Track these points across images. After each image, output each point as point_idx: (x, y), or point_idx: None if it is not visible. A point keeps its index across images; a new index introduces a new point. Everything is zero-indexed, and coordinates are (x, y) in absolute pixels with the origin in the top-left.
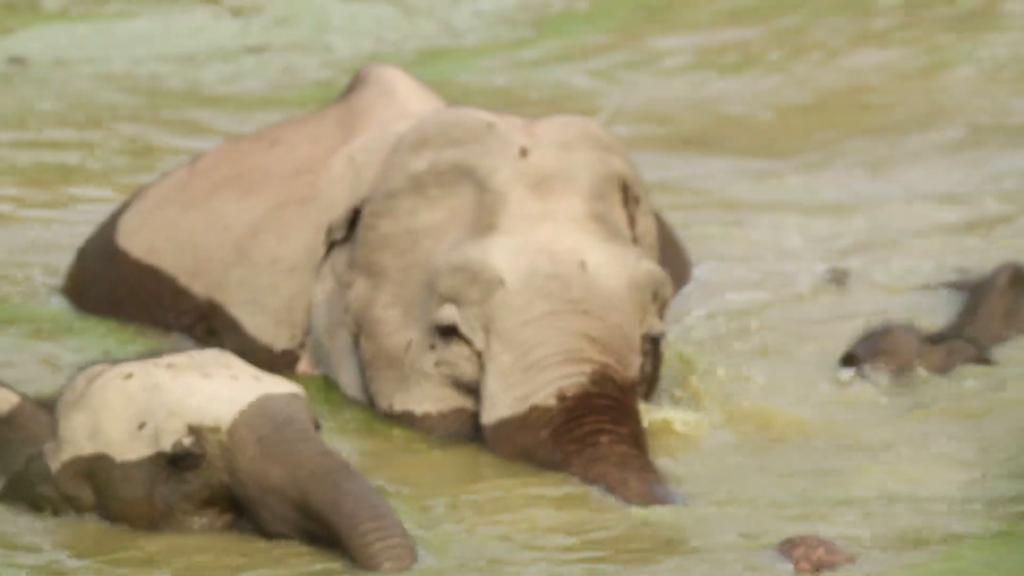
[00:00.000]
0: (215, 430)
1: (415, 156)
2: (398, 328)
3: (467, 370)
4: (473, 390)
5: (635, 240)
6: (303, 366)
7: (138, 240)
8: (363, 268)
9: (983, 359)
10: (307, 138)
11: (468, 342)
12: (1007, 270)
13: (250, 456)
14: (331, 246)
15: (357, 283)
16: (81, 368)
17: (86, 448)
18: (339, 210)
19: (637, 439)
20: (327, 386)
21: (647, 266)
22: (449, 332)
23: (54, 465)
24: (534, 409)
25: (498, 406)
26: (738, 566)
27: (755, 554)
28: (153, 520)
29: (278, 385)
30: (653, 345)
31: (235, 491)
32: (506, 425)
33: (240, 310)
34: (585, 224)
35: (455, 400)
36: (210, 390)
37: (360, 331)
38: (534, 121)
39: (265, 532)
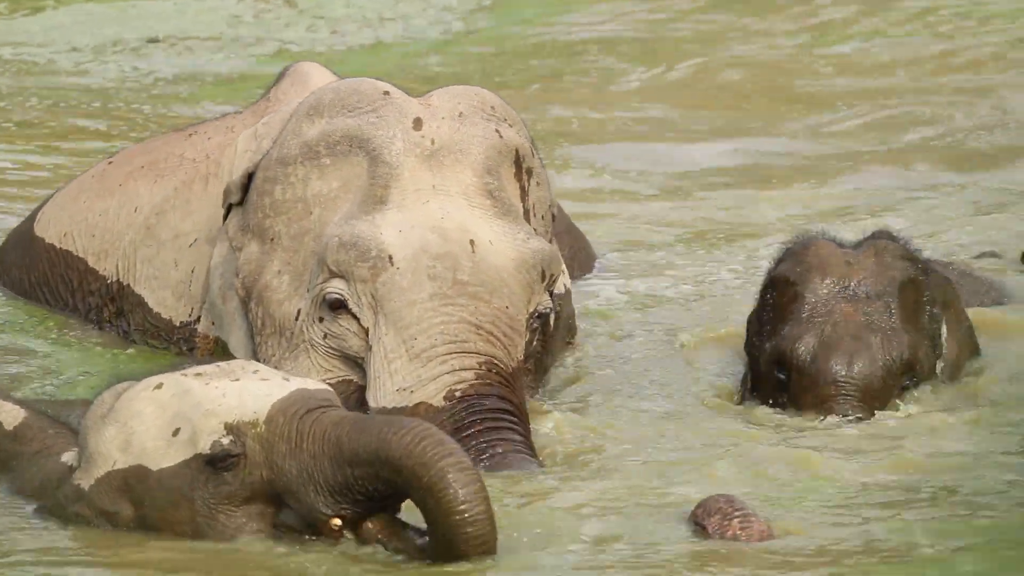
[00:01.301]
0: (253, 424)
1: (309, 123)
2: (288, 296)
3: (354, 344)
4: (360, 364)
5: (527, 213)
6: (201, 327)
7: (53, 228)
8: (255, 233)
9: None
10: (223, 128)
11: (356, 318)
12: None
13: (287, 440)
14: (229, 210)
15: (249, 247)
16: (108, 385)
17: (120, 461)
18: (237, 174)
19: (526, 439)
20: None
21: (536, 244)
22: (337, 306)
23: (86, 483)
24: (420, 405)
25: (384, 395)
26: (651, 525)
27: (668, 518)
28: (195, 525)
29: (309, 383)
30: (542, 321)
31: (276, 484)
32: (392, 414)
33: (144, 287)
34: (476, 199)
35: (342, 372)
36: (243, 389)
37: (250, 296)
38: (430, 92)
39: (309, 523)
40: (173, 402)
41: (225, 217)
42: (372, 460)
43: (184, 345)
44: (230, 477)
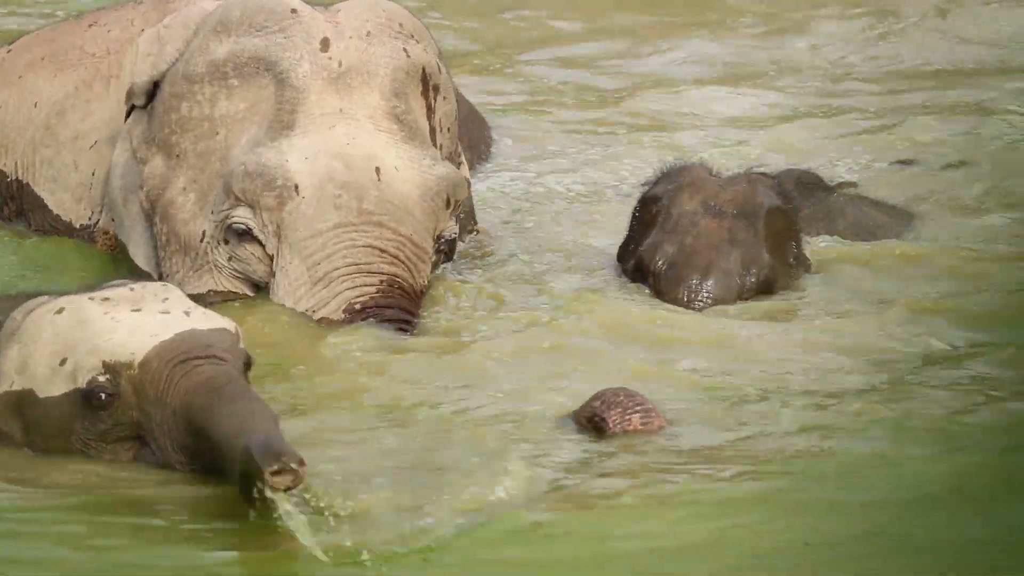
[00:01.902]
0: (129, 366)
1: (217, 41)
2: (193, 216)
3: (259, 269)
4: (264, 288)
5: (433, 131)
6: (102, 222)
7: None
8: (161, 147)
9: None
10: (123, 20)
11: (261, 244)
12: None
13: (155, 388)
14: (131, 110)
15: (153, 161)
16: (27, 297)
17: (16, 383)
18: (141, 78)
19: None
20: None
21: (442, 171)
22: (243, 233)
23: None
24: (322, 321)
25: (287, 312)
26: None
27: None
28: (74, 456)
29: (208, 320)
30: (448, 245)
31: (143, 428)
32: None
33: (44, 189)
34: (383, 123)
35: (245, 293)
36: (133, 325)
37: (154, 210)
38: (339, 6)
39: (166, 465)
40: (67, 331)
41: (127, 117)
42: (208, 440)
43: (85, 245)
44: (104, 415)
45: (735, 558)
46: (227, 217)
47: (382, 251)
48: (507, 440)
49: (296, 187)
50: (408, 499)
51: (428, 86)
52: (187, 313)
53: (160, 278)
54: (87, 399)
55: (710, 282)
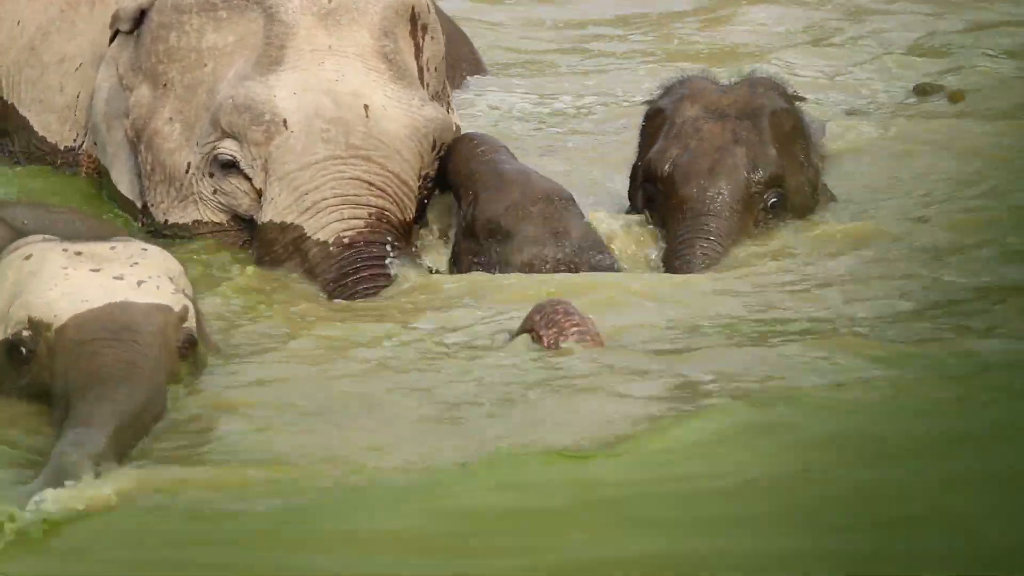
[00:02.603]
0: (48, 327)
1: None
2: (179, 146)
3: (244, 203)
4: (249, 220)
5: (421, 71)
6: (87, 146)
7: None
8: (148, 76)
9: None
10: None
11: (248, 178)
12: None
13: (64, 360)
14: (115, 34)
15: (140, 89)
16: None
17: None
18: (129, 4)
19: None
20: None
21: (429, 112)
22: (229, 166)
23: None
24: (310, 252)
25: (274, 247)
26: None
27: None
28: None
29: (151, 295)
30: (431, 187)
31: (51, 392)
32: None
33: (28, 110)
34: (371, 61)
35: (231, 225)
36: (72, 287)
37: (139, 139)
38: None
39: None
40: (22, 279)
41: (111, 41)
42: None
43: (68, 170)
44: (24, 370)
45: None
46: (213, 149)
47: (370, 184)
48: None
49: (284, 122)
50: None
51: (417, 26)
52: (140, 283)
53: (143, 207)
54: (10, 351)
55: (717, 179)
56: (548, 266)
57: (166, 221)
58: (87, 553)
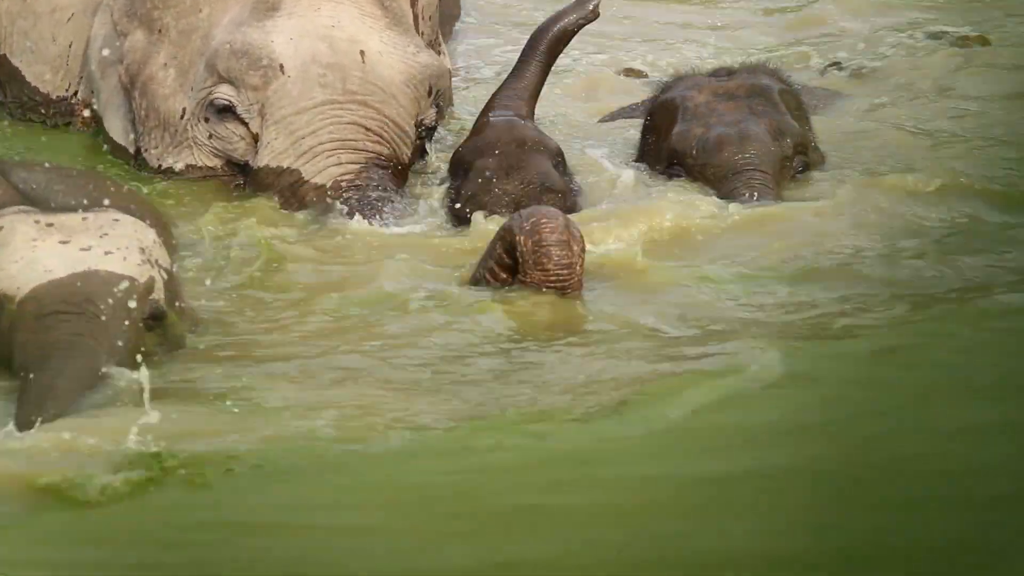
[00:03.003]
0: (11, 300)
1: None
2: (173, 92)
3: (240, 148)
4: (243, 166)
5: (416, 18)
6: (81, 95)
7: None
8: (143, 21)
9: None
10: None
11: (244, 123)
12: None
13: (23, 331)
14: None
15: (134, 35)
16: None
17: None
18: None
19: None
20: None
21: (425, 59)
22: (225, 111)
23: None
24: (308, 196)
25: (270, 188)
26: None
27: None
28: None
29: (117, 265)
30: (428, 133)
31: (15, 364)
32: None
33: (21, 60)
34: (367, 8)
35: (225, 171)
36: (37, 259)
37: (133, 85)
38: None
39: None
40: None
41: None
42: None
43: (61, 120)
44: None
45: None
46: (209, 94)
47: (367, 129)
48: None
49: (281, 67)
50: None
51: None
52: (107, 253)
53: (137, 153)
54: None
55: (748, 145)
56: (494, 200)
57: (160, 166)
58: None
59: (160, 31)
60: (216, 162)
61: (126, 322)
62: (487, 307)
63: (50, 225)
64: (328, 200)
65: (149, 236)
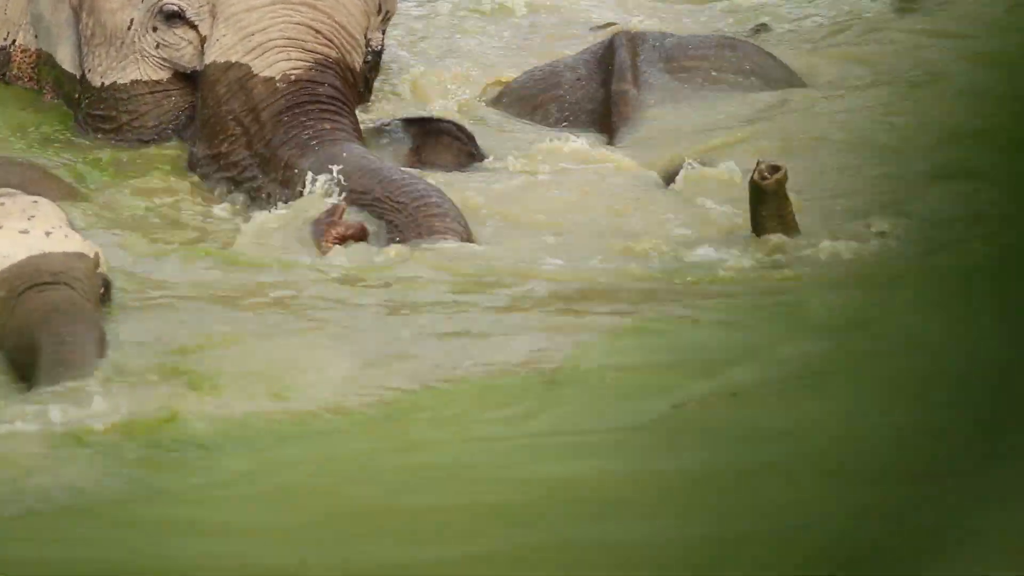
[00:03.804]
0: None
1: None
2: (121, 6)
3: (188, 54)
4: (189, 77)
5: None
6: (21, 41)
7: None
8: None
9: None
10: None
11: (193, 26)
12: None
13: (6, 315)
14: None
15: None
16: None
17: None
18: None
19: (357, 129)
20: None
21: None
22: (174, 16)
23: None
24: (256, 89)
25: (216, 87)
26: None
27: None
28: None
29: (65, 244)
30: (375, 58)
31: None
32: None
33: None
34: None
35: (171, 85)
36: None
37: (82, 6)
38: None
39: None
40: None
41: None
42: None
43: (4, 71)
44: None
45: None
46: (158, 1)
47: (317, 31)
48: None
49: None
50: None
51: None
52: (47, 234)
53: (82, 76)
54: None
55: None
56: None
57: (103, 84)
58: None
59: None
60: (162, 75)
61: (94, 296)
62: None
63: None
64: (277, 89)
65: (64, 213)
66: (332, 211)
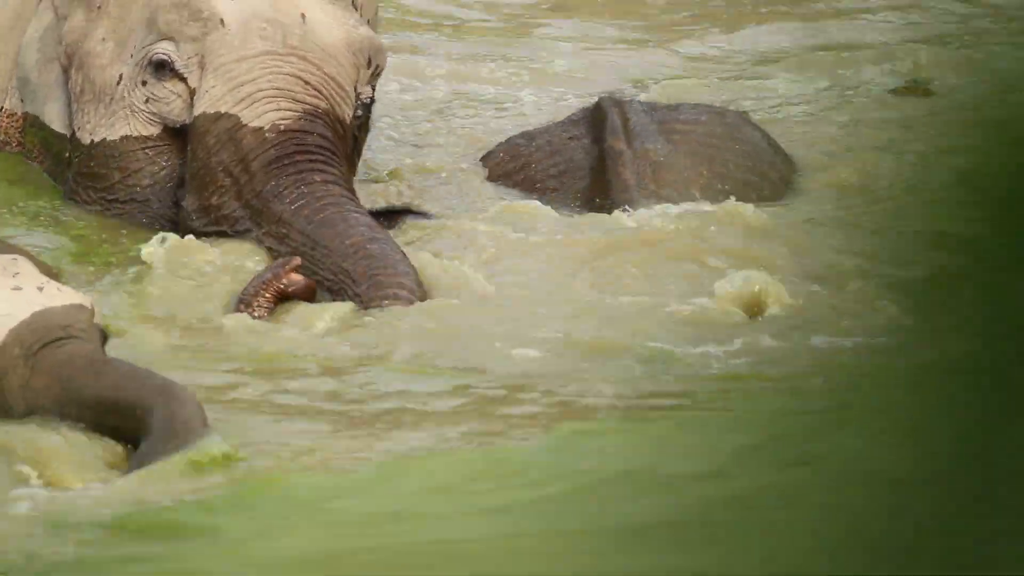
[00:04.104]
0: None
1: None
2: (111, 61)
3: (177, 107)
4: (180, 131)
5: (358, 7)
6: (7, 105)
7: None
8: (81, 1)
9: None
10: None
11: (182, 79)
12: None
13: (19, 375)
14: None
15: (75, 15)
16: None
17: None
18: None
19: (348, 180)
20: None
21: (365, 31)
22: (163, 68)
23: None
24: (244, 140)
25: (206, 138)
26: None
27: None
28: None
29: (61, 297)
30: (364, 112)
31: (6, 408)
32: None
33: None
34: None
35: (160, 140)
36: None
37: (71, 64)
38: None
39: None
40: None
41: None
42: (103, 405)
43: None
44: None
45: None
46: (147, 53)
47: (306, 83)
48: None
49: (222, 20)
50: None
51: None
52: (40, 289)
53: (72, 135)
54: None
55: None
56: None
57: (93, 141)
58: None
59: (99, 7)
60: (153, 130)
61: (101, 347)
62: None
63: None
64: (266, 139)
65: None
66: (280, 264)
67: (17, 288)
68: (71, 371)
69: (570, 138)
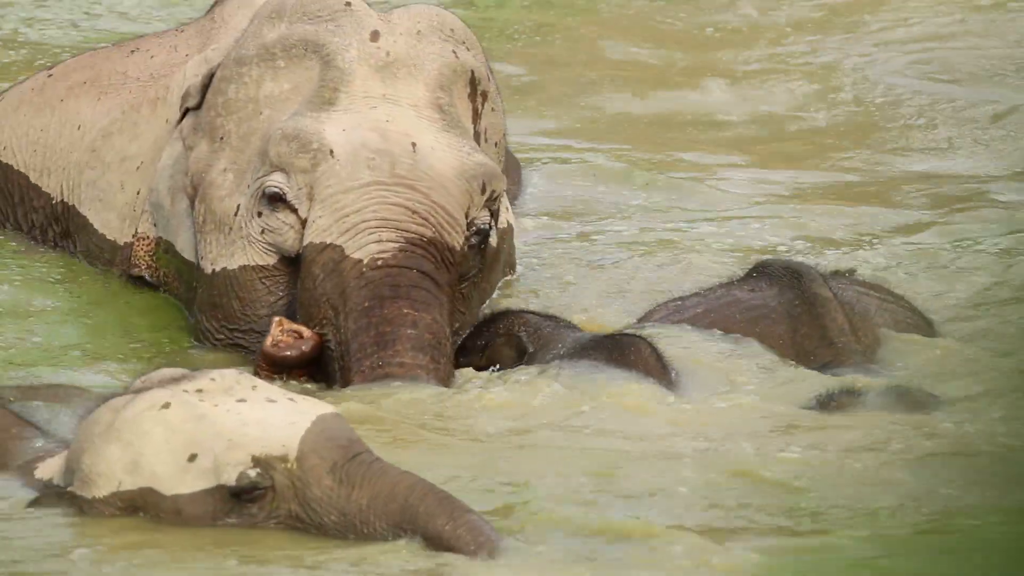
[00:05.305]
0: (283, 459)
1: (269, 26)
2: (230, 192)
3: (290, 238)
4: (294, 260)
5: (478, 136)
6: (140, 228)
7: None
8: (206, 131)
9: None
10: (166, 46)
11: (293, 210)
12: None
13: (326, 485)
14: (185, 113)
15: (199, 146)
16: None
17: (127, 483)
18: (196, 80)
19: (445, 310)
20: None
21: (479, 158)
22: (276, 199)
23: (83, 498)
24: (345, 275)
25: (313, 268)
26: None
27: None
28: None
29: (318, 406)
30: (480, 238)
31: (307, 519)
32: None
33: (89, 209)
34: (424, 111)
35: (276, 271)
36: (261, 417)
37: (196, 194)
38: (393, 9)
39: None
40: (186, 426)
41: (180, 120)
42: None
43: (127, 265)
44: (255, 508)
45: None
46: (261, 184)
47: (413, 212)
48: None
49: (331, 151)
50: None
51: (476, 90)
52: (291, 400)
53: (197, 264)
54: (237, 495)
55: None
56: None
57: (214, 271)
58: None
59: (222, 138)
60: (268, 260)
61: None
62: None
63: (200, 391)
64: (364, 276)
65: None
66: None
67: (272, 400)
68: (414, 501)
69: (751, 290)
